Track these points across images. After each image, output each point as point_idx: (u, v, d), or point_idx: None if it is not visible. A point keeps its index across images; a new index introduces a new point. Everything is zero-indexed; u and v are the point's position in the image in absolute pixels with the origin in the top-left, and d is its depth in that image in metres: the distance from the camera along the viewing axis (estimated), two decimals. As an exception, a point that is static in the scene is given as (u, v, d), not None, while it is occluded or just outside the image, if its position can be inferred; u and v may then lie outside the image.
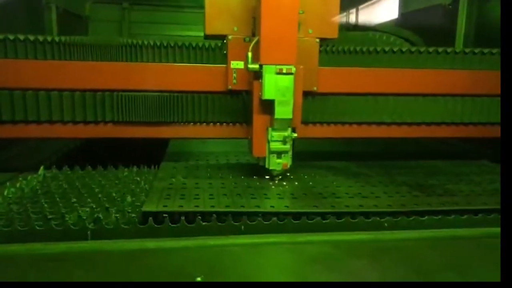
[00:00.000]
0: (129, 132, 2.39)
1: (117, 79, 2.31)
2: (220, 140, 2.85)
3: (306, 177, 2.30)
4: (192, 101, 2.39)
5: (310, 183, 2.21)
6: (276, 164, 2.16)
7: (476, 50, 2.57)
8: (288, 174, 2.25)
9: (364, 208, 1.87)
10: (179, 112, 2.38)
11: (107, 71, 2.30)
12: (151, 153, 2.67)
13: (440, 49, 2.53)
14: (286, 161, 2.16)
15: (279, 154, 2.15)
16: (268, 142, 2.14)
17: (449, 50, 2.55)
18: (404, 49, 2.52)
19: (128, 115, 2.34)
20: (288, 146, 2.13)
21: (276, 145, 2.13)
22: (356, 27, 3.25)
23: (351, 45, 2.46)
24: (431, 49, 2.52)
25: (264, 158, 2.19)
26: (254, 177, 2.27)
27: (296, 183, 2.20)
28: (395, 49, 2.50)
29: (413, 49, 2.54)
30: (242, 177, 2.27)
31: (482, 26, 3.55)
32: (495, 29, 3.34)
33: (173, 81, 2.35)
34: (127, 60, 2.31)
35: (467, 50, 2.57)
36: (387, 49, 2.49)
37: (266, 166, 2.18)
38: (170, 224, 1.68)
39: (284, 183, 2.19)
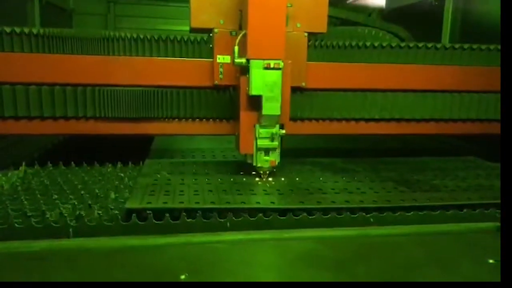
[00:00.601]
0: (111, 128, 2.35)
1: (98, 73, 2.27)
2: (207, 137, 2.84)
3: (293, 173, 2.31)
4: (177, 96, 2.36)
5: (297, 179, 2.21)
6: (264, 161, 2.15)
7: (466, 46, 2.58)
8: (275, 170, 2.24)
9: (350, 203, 1.88)
10: (164, 107, 2.35)
11: (88, 64, 2.26)
12: (137, 150, 2.66)
13: (429, 45, 2.54)
14: (274, 158, 2.15)
15: (267, 151, 2.14)
16: (256, 139, 2.12)
17: (438, 45, 2.55)
18: (393, 44, 2.52)
19: (110, 111, 2.30)
20: (276, 143, 2.11)
21: (264, 142, 2.11)
22: (345, 22, 3.21)
23: (339, 40, 2.46)
24: (420, 44, 2.53)
25: (251, 155, 2.17)
26: (241, 173, 2.26)
27: (283, 179, 2.20)
28: (384, 44, 2.50)
29: (403, 44, 2.54)
30: (229, 173, 2.26)
31: (468, 22, 3.58)
32: (481, 25, 3.37)
33: (156, 75, 2.32)
34: (110, 54, 2.27)
35: (456, 45, 2.58)
36: (376, 44, 2.49)
37: (254, 164, 2.16)
38: (154, 221, 1.67)
39: (271, 180, 2.19)
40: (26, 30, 2.17)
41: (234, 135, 2.39)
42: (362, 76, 2.50)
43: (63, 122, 2.31)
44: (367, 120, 2.58)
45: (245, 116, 2.13)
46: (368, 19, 3.27)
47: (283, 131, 2.13)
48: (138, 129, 2.38)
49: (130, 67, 2.29)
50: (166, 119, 2.39)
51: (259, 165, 2.15)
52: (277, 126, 2.11)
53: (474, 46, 2.58)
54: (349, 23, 3.19)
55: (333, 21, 3.19)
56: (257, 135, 2.11)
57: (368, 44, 2.47)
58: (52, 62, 2.22)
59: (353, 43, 2.46)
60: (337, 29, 3.14)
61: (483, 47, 2.58)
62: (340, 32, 3.06)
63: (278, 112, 2.05)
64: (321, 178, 2.23)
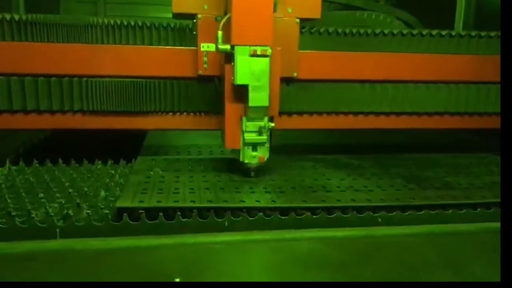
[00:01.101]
0: (99, 123, 2.34)
1: (84, 63, 2.25)
2: (204, 133, 2.81)
3: (295, 170, 2.30)
4: (158, 88, 2.34)
5: (299, 176, 2.21)
6: (251, 157, 2.11)
7: (483, 33, 2.53)
8: (264, 167, 2.23)
9: (356, 202, 1.88)
10: (142, 101, 2.32)
11: (73, 53, 2.22)
12: (129, 146, 2.66)
13: (443, 32, 2.50)
14: (262, 154, 2.11)
15: (254, 146, 2.10)
16: (242, 133, 2.09)
17: (453, 33, 2.51)
18: (404, 32, 2.48)
19: (98, 104, 2.29)
20: (264, 137, 2.08)
21: (250, 136, 2.07)
22: (350, 7, 3.13)
23: (343, 26, 2.43)
24: (434, 32, 2.49)
25: (238, 151, 2.14)
26: (240, 172, 2.24)
27: (285, 176, 2.20)
28: (395, 32, 2.46)
29: (415, 31, 2.50)
30: (227, 171, 2.26)
31: (483, 8, 3.55)
32: (496, 12, 3.35)
33: (134, 65, 2.28)
34: (95, 42, 2.24)
35: (473, 33, 2.53)
36: (386, 31, 2.45)
37: (240, 160, 2.14)
38: (147, 220, 1.66)
39: (272, 177, 2.18)
40: (7, 16, 2.16)
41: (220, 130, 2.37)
42: (369, 66, 2.46)
43: (48, 116, 2.30)
44: (376, 114, 2.56)
45: (230, 108, 2.10)
46: (374, 4, 3.22)
47: (272, 124, 2.09)
48: (127, 123, 2.37)
49: (116, 56, 2.27)
50: (145, 113, 2.36)
51: (246, 161, 2.12)
52: (266, 118, 2.07)
53: (492, 34, 2.53)
54: (353, 8, 3.14)
55: (336, 5, 3.14)
56: (243, 129, 2.08)
57: (377, 31, 2.44)
58: (36, 51, 2.20)
59: (361, 30, 2.42)
60: (340, 14, 3.07)
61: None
62: (344, 17, 3.01)
63: (266, 104, 2.01)
64: (325, 175, 2.23)
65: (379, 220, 1.79)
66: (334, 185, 2.08)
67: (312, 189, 2.02)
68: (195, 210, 1.72)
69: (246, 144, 2.10)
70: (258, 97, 2.00)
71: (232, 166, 2.31)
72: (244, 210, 1.79)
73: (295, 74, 2.36)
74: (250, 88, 1.99)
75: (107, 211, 1.76)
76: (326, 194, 1.96)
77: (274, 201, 1.86)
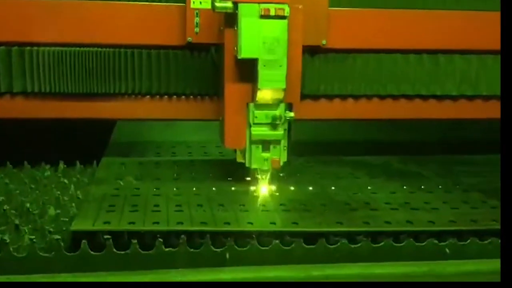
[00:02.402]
0: (48, 110, 2.36)
1: (26, 25, 2.26)
2: (194, 125, 2.84)
3: (325, 179, 2.32)
4: (132, 61, 2.35)
5: (331, 187, 2.22)
6: (261, 160, 2.11)
7: None
8: (299, 174, 2.23)
9: (414, 225, 1.86)
10: (108, 79, 2.35)
11: (10, 11, 2.24)
12: (90, 143, 2.72)
13: None
14: (277, 156, 2.11)
15: (265, 144, 2.11)
16: (249, 126, 2.10)
17: None
18: None
19: (47, 84, 2.30)
20: (280, 133, 2.08)
21: (260, 131, 2.08)
22: None
23: None
24: None
25: (243, 151, 2.15)
26: (247, 179, 2.25)
27: (310, 187, 2.21)
28: None
29: None
30: (228, 178, 2.27)
31: None
32: None
33: (97, 28, 2.30)
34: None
35: None
36: None
37: (246, 163, 2.14)
38: (115, 250, 1.64)
39: (292, 187, 2.18)
40: None
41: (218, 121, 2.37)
42: (430, 30, 2.46)
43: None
44: (439, 98, 2.56)
45: (232, 90, 2.10)
46: None
47: (292, 114, 2.08)
48: (87, 111, 2.38)
49: (72, 15, 2.27)
50: (114, 96, 2.38)
51: (254, 166, 2.11)
52: (282, 106, 2.07)
53: None
54: None
55: None
56: (250, 120, 2.08)
57: None
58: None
59: None
60: None
61: None
62: None
63: (282, 85, 2.01)
64: (369, 187, 2.23)
65: (447, 251, 1.77)
66: (382, 201, 2.08)
67: (350, 207, 2.01)
68: (183, 236, 1.69)
69: (254, 141, 2.09)
70: (271, 76, 1.99)
71: (234, 172, 2.31)
72: (253, 235, 1.76)
73: (323, 42, 2.37)
74: (260, 63, 1.98)
75: (58, 237, 1.73)
76: (370, 213, 1.96)
77: (296, 223, 1.84)
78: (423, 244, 1.77)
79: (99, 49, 2.32)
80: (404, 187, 2.24)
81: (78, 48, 2.30)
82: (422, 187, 2.24)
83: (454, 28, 2.49)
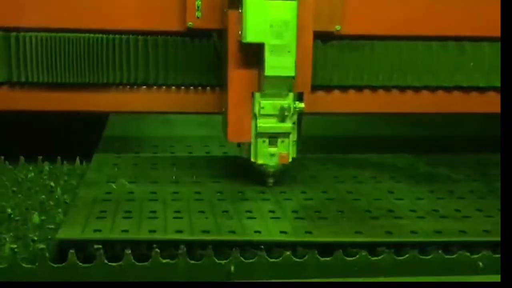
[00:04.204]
0: (36, 102, 2.38)
1: (12, 8, 2.29)
2: (195, 118, 2.85)
3: (342, 182, 2.31)
4: (126, 48, 2.37)
5: (349, 192, 2.21)
6: (268, 155, 2.14)
7: None
8: (312, 176, 2.20)
9: (443, 235, 1.84)
10: (100, 67, 2.36)
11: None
12: (79, 139, 2.72)
13: None
14: (285, 151, 2.12)
15: (273, 138, 2.11)
16: (255, 118, 2.11)
17: None
18: None
19: (35, 73, 2.33)
20: (289, 125, 2.10)
21: (267, 123, 2.10)
22: None
23: None
24: None
25: (248, 145, 2.17)
26: (253, 180, 2.25)
27: (325, 191, 2.20)
28: None
29: None
30: (232, 180, 2.27)
31: None
32: None
33: (87, 12, 2.33)
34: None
35: None
36: None
37: (252, 159, 2.17)
38: (106, 262, 1.63)
39: (304, 192, 2.17)
40: None
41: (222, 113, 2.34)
42: (455, 15, 2.46)
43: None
44: (466, 90, 2.55)
45: (236, 78, 2.12)
46: None
47: (302, 105, 2.11)
48: (77, 103, 2.40)
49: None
50: (106, 87, 2.40)
51: (260, 161, 2.15)
52: (291, 96, 2.09)
53: None
54: None
55: None
56: (256, 111, 2.10)
57: None
58: None
59: None
60: None
61: None
62: None
63: (291, 73, 2.03)
64: (392, 192, 2.23)
65: (480, 264, 1.74)
66: (407, 208, 2.06)
67: (370, 214, 2.00)
68: (182, 246, 1.68)
69: (260, 135, 2.12)
70: (279, 63, 2.03)
71: (239, 170, 2.34)
72: (262, 246, 1.74)
73: (337, 28, 2.39)
74: (267, 49, 2.01)
75: (42, 246, 1.69)
76: (394, 222, 1.94)
77: (310, 233, 1.83)
78: (453, 256, 1.76)
79: (91, 35, 2.34)
80: (431, 192, 2.23)
81: (68, 34, 2.32)
82: (452, 191, 2.24)
83: (483, 13, 2.49)
